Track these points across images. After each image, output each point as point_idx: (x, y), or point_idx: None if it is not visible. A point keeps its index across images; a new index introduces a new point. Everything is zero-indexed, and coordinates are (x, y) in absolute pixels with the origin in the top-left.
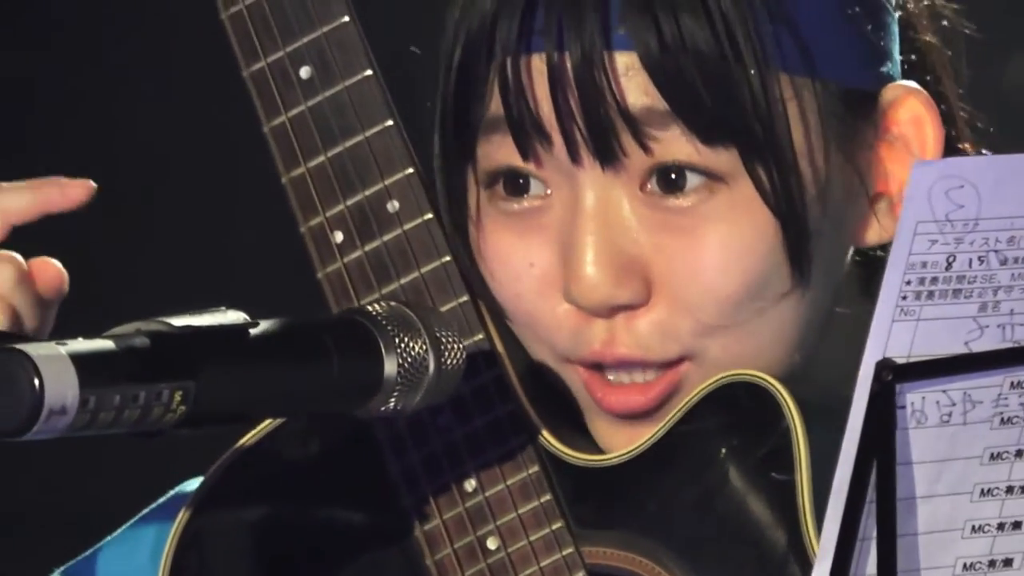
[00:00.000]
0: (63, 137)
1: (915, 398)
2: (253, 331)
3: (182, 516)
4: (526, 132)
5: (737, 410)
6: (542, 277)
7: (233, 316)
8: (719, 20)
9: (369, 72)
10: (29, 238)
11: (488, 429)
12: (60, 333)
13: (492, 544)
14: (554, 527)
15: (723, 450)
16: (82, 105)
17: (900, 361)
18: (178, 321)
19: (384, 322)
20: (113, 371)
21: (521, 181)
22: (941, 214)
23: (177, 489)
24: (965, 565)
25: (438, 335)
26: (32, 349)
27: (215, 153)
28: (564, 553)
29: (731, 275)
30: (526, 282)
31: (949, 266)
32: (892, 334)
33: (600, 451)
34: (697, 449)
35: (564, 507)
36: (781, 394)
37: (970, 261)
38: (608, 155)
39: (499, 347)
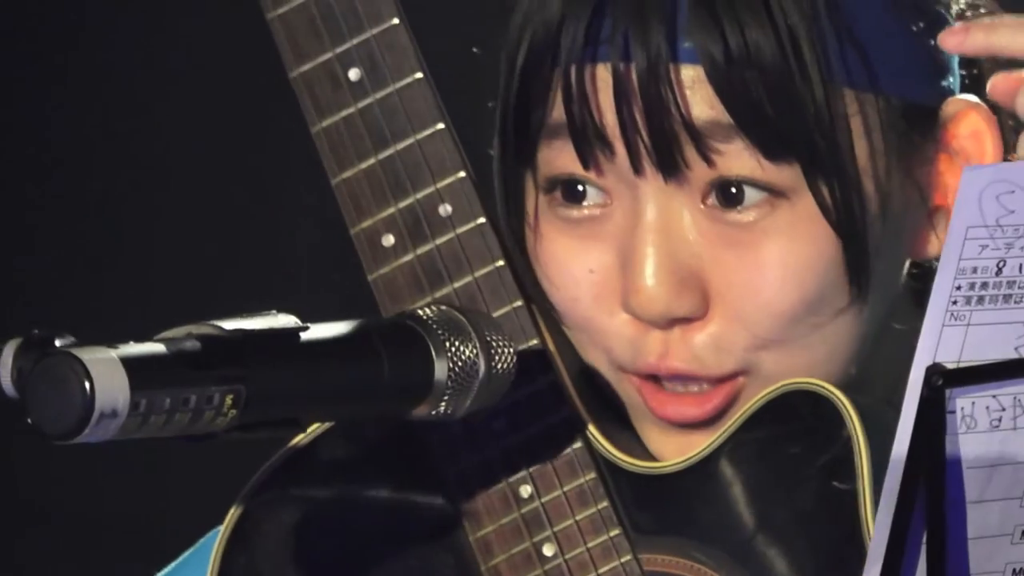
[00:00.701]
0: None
1: (965, 403)
2: (304, 334)
3: (230, 517)
4: (588, 141)
5: (797, 418)
6: (601, 284)
7: (284, 320)
8: (785, 35)
9: (419, 75)
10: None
11: (543, 434)
12: (109, 337)
13: (548, 551)
14: (612, 534)
15: (783, 458)
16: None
17: (950, 366)
18: (229, 324)
19: (435, 326)
20: (164, 374)
21: (581, 188)
22: (992, 219)
23: (211, 534)
24: (1015, 571)
25: (488, 339)
26: (83, 353)
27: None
28: (623, 560)
29: (789, 291)
30: (585, 288)
31: (999, 271)
32: (942, 339)
33: (654, 457)
34: (756, 457)
35: (622, 514)
36: (842, 402)
37: (1020, 266)
38: (671, 167)
39: (554, 352)
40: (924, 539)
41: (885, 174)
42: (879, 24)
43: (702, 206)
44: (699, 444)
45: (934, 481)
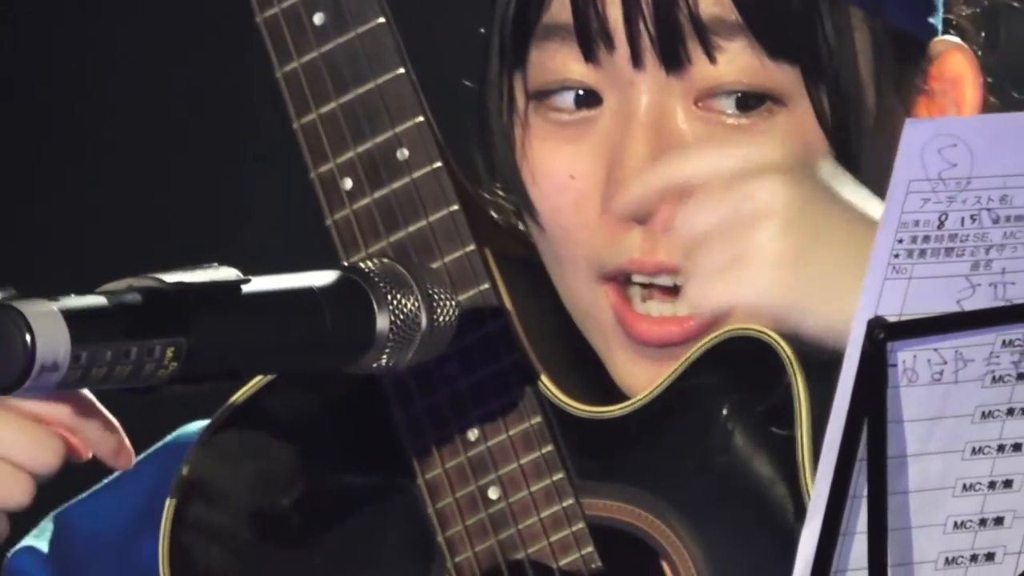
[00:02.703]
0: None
1: (906, 356)
2: (245, 287)
3: (178, 473)
4: (591, 34)
5: (740, 365)
6: (581, 191)
7: (225, 272)
8: None
9: (382, 20)
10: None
11: (492, 379)
12: (51, 290)
13: (493, 494)
14: (555, 478)
15: (724, 404)
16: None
17: (892, 319)
18: (170, 277)
19: (376, 279)
20: (105, 327)
21: (575, 93)
22: (934, 173)
23: (176, 433)
24: (956, 523)
25: (430, 292)
26: (24, 305)
27: (222, 99)
28: (564, 504)
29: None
30: (567, 194)
31: (941, 225)
32: (884, 293)
33: (608, 402)
34: (698, 403)
35: (566, 458)
36: (784, 349)
37: (962, 220)
38: (673, 60)
39: (505, 297)
40: (865, 492)
41: (882, 90)
42: None
43: (696, 107)
44: (666, 374)
45: (875, 434)
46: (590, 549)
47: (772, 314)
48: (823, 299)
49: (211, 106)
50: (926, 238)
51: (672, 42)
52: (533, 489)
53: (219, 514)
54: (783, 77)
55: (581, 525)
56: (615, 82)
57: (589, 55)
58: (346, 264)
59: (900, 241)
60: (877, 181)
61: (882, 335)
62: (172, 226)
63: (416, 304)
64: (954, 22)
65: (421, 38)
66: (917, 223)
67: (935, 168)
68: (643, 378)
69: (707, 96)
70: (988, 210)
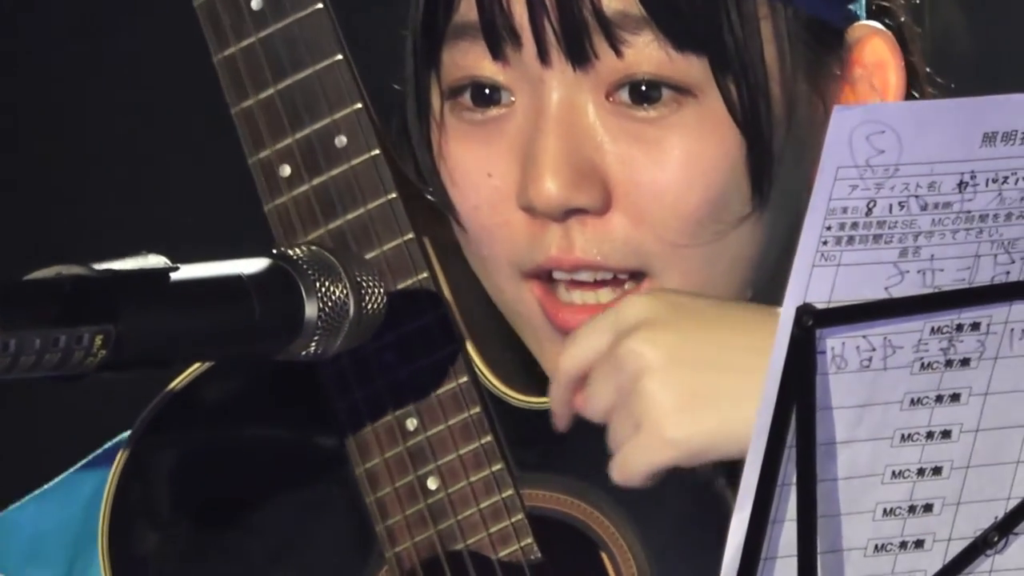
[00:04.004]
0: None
1: (835, 343)
2: (174, 275)
3: (118, 461)
4: (497, 32)
5: None
6: (499, 189)
7: (154, 260)
8: None
9: (320, 5)
10: None
11: (430, 369)
12: None
13: (432, 484)
14: (494, 468)
15: None
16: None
17: (820, 306)
18: (99, 265)
19: (305, 266)
20: (33, 314)
21: (486, 92)
22: (862, 159)
23: (115, 440)
24: (885, 510)
25: (359, 279)
26: None
27: (162, 84)
28: (504, 495)
29: (694, 190)
30: (484, 193)
31: (869, 211)
32: (812, 279)
33: (545, 391)
34: None
35: (505, 449)
36: None
37: (890, 206)
38: (579, 55)
39: (445, 285)
40: (794, 479)
41: (792, 80)
42: None
43: (607, 102)
44: None
45: (804, 421)
46: (529, 540)
47: (695, 452)
48: (735, 412)
49: (145, 90)
50: (854, 224)
51: (578, 37)
52: (472, 479)
53: (157, 504)
54: (691, 68)
55: (520, 516)
56: (525, 79)
57: (497, 53)
58: (275, 251)
59: (828, 228)
60: (791, 170)
61: (811, 322)
62: (104, 213)
63: (344, 291)
64: (887, 7)
65: (362, 25)
66: (845, 210)
67: (863, 154)
68: None
69: (616, 89)
70: (916, 197)
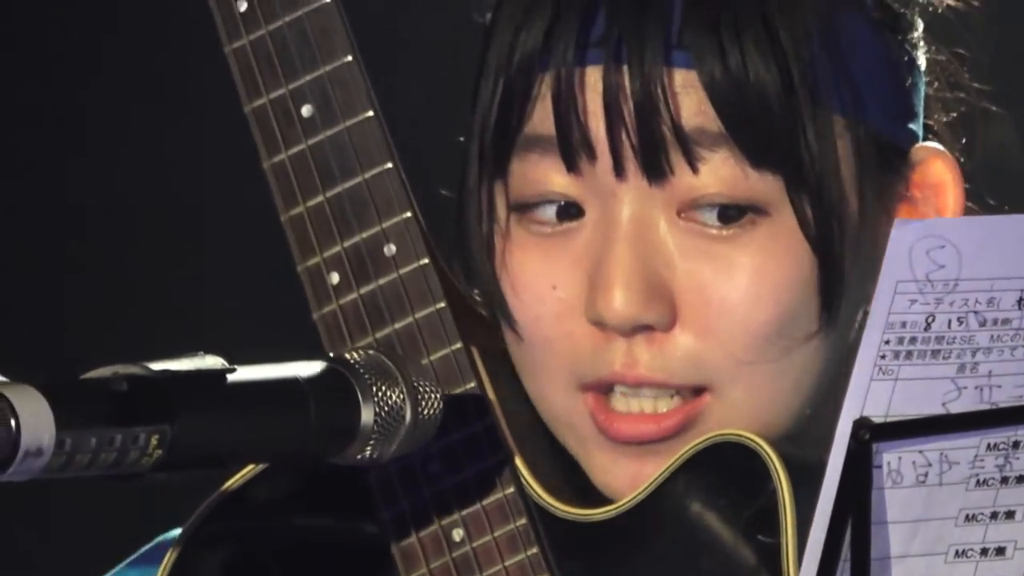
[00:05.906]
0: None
1: (892, 458)
2: (231, 376)
3: (168, 560)
4: (573, 146)
5: (726, 470)
6: (564, 301)
7: (211, 361)
8: (780, 52)
9: (370, 113)
10: None
11: (477, 478)
12: (32, 368)
13: None
14: None
15: (710, 510)
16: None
17: (877, 420)
18: (156, 365)
19: (362, 370)
20: (90, 413)
21: (561, 204)
22: (921, 274)
23: (160, 538)
24: None
25: (415, 384)
26: (9, 390)
27: (214, 191)
28: None
29: (764, 307)
30: (548, 305)
31: (928, 326)
32: (870, 393)
33: (592, 505)
34: (684, 508)
35: (551, 560)
36: (770, 456)
37: (949, 322)
38: (655, 171)
39: (492, 396)
40: None
41: (863, 198)
42: (867, 56)
43: (679, 218)
44: (649, 474)
45: (859, 535)
46: None
47: None
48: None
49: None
50: (913, 339)
51: (655, 153)
52: None
53: None
54: (766, 187)
55: None
56: (597, 193)
57: (571, 166)
58: (331, 354)
59: (887, 342)
60: (857, 288)
61: (868, 436)
62: (158, 313)
63: (401, 396)
64: (934, 128)
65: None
66: (904, 324)
67: (923, 269)
68: (623, 477)
69: (690, 207)
70: (975, 312)
